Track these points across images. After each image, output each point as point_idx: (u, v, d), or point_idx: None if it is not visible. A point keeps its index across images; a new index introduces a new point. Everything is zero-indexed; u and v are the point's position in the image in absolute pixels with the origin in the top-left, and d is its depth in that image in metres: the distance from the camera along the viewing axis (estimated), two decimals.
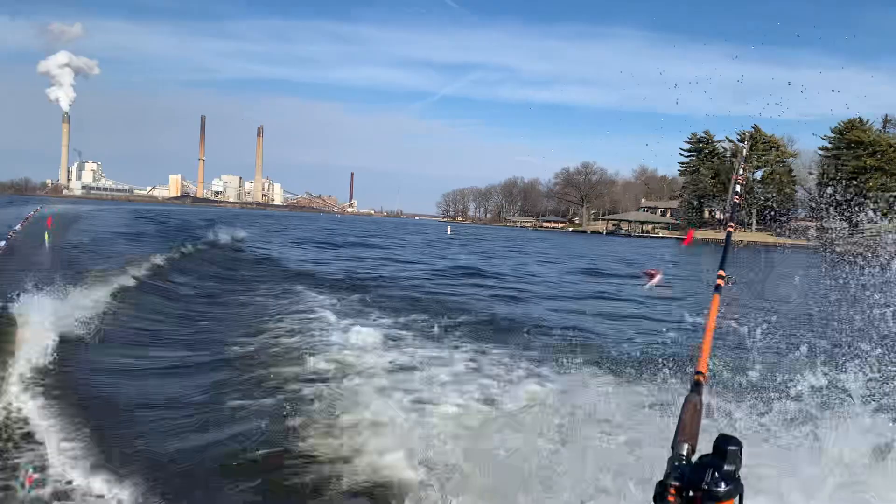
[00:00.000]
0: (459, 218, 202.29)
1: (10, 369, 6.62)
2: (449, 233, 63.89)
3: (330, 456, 5.12)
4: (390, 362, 7.68)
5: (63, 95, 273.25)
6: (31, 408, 5.90)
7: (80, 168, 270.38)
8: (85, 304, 9.81)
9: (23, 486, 4.40)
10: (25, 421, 5.65)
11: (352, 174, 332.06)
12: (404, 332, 9.72)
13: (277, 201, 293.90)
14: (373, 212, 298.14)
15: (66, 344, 7.72)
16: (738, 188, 3.96)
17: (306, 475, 4.86)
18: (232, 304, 13.19)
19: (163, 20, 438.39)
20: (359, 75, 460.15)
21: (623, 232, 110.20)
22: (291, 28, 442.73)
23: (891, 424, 4.73)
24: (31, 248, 13.61)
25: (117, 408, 6.34)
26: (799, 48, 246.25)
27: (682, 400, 1.92)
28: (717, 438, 1.70)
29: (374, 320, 10.72)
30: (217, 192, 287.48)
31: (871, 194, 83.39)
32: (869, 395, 5.40)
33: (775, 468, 4.17)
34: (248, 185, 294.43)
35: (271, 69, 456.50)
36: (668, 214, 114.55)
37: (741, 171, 4.17)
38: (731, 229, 3.48)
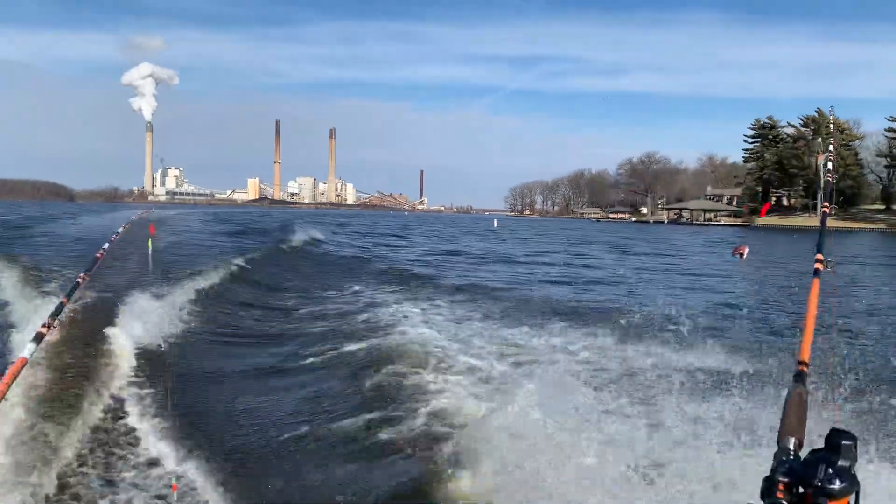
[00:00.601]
0: (527, 212, 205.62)
1: (112, 368, 7.00)
2: (495, 225, 69.25)
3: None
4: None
5: (146, 105, 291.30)
6: (134, 406, 6.23)
7: (164, 174, 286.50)
8: (180, 303, 10.56)
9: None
10: (127, 422, 5.91)
11: (421, 172, 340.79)
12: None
13: (350, 201, 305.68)
14: (443, 208, 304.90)
15: (166, 343, 8.24)
16: (829, 165, 3.93)
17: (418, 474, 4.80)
18: (318, 300, 13.98)
19: (237, 28, 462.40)
20: (427, 73, 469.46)
21: (685, 220, 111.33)
22: (360, 30, 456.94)
23: None
24: (132, 252, 14.94)
25: (215, 403, 6.69)
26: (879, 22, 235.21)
27: (785, 391, 1.86)
28: (830, 432, 1.62)
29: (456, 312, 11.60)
30: (293, 194, 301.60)
31: None
32: None
33: (887, 465, 4.00)
34: (321, 186, 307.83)
35: (342, 71, 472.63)
36: (735, 202, 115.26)
37: (830, 148, 4.13)
38: (826, 210, 3.48)
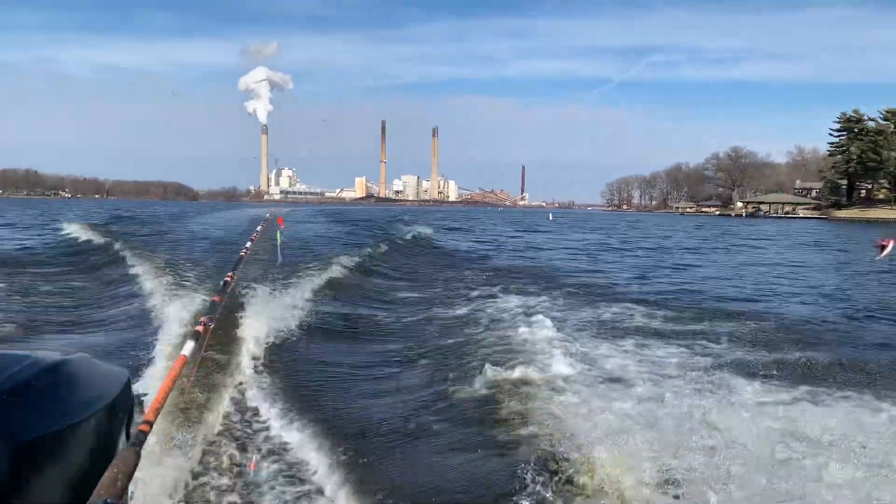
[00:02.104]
0: (625, 206, 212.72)
1: (243, 357, 7.48)
2: (550, 218, 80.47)
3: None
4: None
5: (261, 108, 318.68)
6: (256, 393, 6.62)
7: (278, 174, 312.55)
8: (304, 295, 11.16)
9: (246, 470, 4.93)
10: (254, 409, 6.30)
11: (522, 167, 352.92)
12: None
13: (452, 197, 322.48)
14: (544, 204, 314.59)
15: (291, 334, 8.85)
16: None
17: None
18: (429, 291, 14.35)
19: (347, 31, 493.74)
20: (534, 69, 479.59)
21: (761, 214, 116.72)
22: (467, 28, 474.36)
23: None
24: (268, 248, 15.10)
25: (336, 393, 6.94)
26: None
27: None
28: None
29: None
30: (397, 192, 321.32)
31: None
32: None
33: None
34: (424, 184, 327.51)
35: (448, 69, 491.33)
36: (818, 195, 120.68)
37: None
38: None
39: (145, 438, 1.67)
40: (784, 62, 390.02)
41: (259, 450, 5.35)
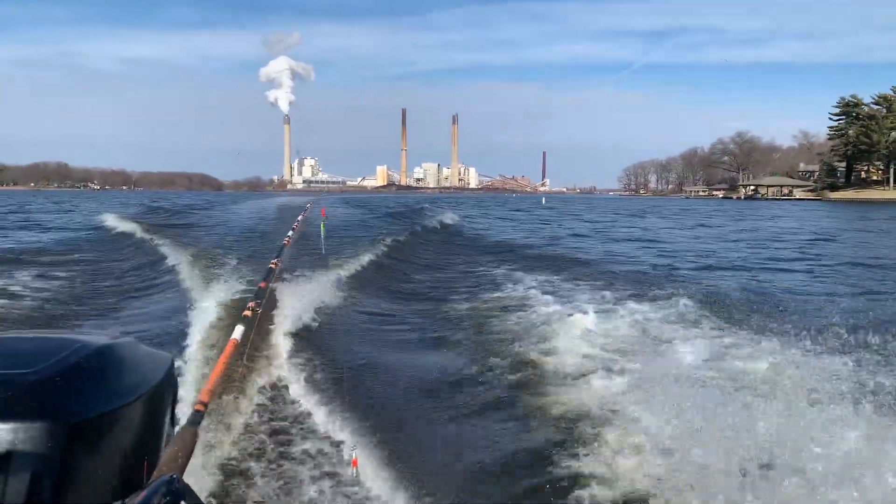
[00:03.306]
0: (642, 191, 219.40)
1: (277, 344, 7.62)
2: (544, 202, 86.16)
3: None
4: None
5: (284, 99, 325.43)
6: (294, 377, 6.83)
7: (301, 164, 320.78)
8: (339, 284, 11.52)
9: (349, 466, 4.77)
10: (290, 390, 6.57)
11: (543, 153, 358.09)
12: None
13: (473, 184, 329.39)
14: (565, 189, 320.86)
15: (327, 323, 8.98)
16: None
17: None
18: (458, 277, 15.07)
19: (368, 20, 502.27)
20: (555, 53, 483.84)
21: (759, 196, 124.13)
22: (488, 14, 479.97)
23: None
24: (311, 238, 15.90)
25: (376, 381, 7.15)
26: None
27: None
28: None
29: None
30: (418, 179, 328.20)
31: None
32: None
33: None
34: (445, 171, 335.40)
35: (468, 56, 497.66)
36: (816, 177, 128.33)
37: None
38: None
39: (201, 418, 1.89)
40: (810, 42, 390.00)
41: (354, 446, 5.17)
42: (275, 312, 8.33)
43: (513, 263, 16.89)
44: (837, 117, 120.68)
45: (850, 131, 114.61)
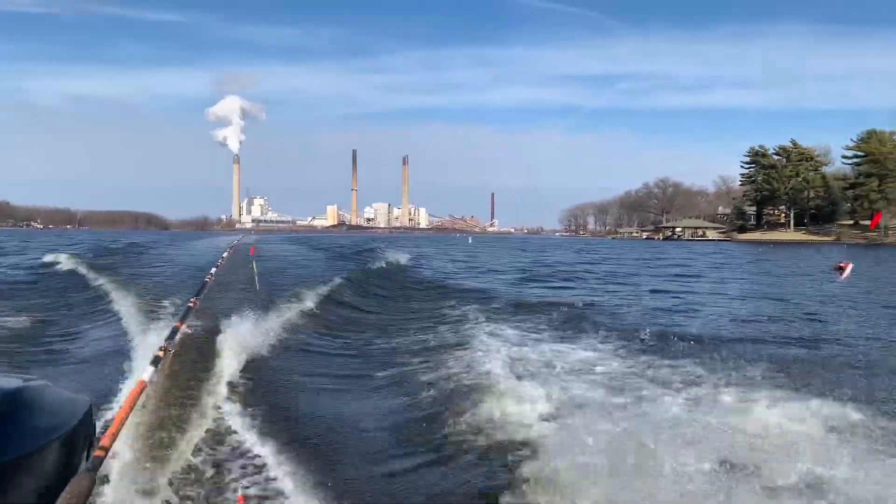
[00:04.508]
0: (581, 232, 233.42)
1: (217, 383, 7.65)
2: (470, 242, 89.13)
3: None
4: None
5: (233, 138, 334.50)
6: (237, 420, 6.73)
7: (250, 203, 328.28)
8: (280, 323, 11.65)
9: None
10: (232, 429, 6.50)
11: (492, 194, 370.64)
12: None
13: (423, 224, 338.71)
14: (513, 230, 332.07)
15: (269, 360, 9.29)
16: None
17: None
18: (403, 317, 15.30)
19: (321, 60, 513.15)
20: (506, 96, 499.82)
21: (676, 237, 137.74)
22: (440, 57, 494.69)
23: None
24: (235, 275, 15.88)
25: (313, 418, 7.22)
26: None
27: None
28: None
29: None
30: (369, 219, 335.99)
31: (870, 196, 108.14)
32: None
33: None
34: (395, 211, 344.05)
35: (420, 98, 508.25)
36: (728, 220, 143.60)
37: None
38: None
39: (100, 463, 1.77)
40: (750, 90, 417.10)
41: (243, 481, 5.38)
42: (207, 352, 8.40)
43: (449, 299, 18.18)
44: (748, 165, 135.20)
45: (759, 178, 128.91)
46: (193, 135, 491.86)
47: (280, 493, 5.25)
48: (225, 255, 12.19)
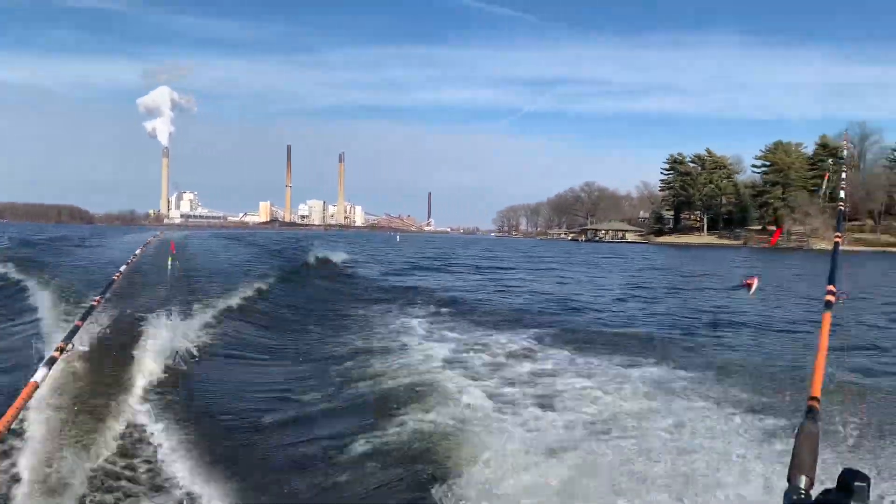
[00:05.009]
0: (514, 233, 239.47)
1: (132, 387, 7.49)
2: (398, 240, 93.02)
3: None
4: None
5: (163, 130, 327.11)
6: (152, 423, 6.66)
7: (179, 198, 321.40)
8: (200, 323, 11.29)
9: None
10: (147, 436, 6.38)
11: (429, 194, 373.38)
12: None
13: (359, 222, 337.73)
14: (449, 230, 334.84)
15: (185, 361, 8.98)
16: (842, 194, 4.31)
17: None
18: (329, 318, 15.36)
19: (258, 54, 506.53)
20: (445, 96, 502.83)
21: (597, 239, 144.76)
22: (380, 54, 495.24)
23: None
24: (152, 273, 15.62)
25: (234, 421, 7.21)
26: None
27: (796, 428, 1.95)
28: (843, 473, 1.67)
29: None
30: (303, 216, 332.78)
31: (774, 204, 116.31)
32: None
33: None
34: (331, 209, 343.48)
35: (359, 95, 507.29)
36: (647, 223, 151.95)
37: (843, 175, 4.67)
38: (838, 239, 3.54)
39: None
40: (683, 96, 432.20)
41: (192, 491, 5.24)
42: (121, 353, 8.15)
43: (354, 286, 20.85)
44: (667, 171, 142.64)
45: (676, 184, 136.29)
46: (122, 126, 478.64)
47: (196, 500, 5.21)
48: (138, 251, 11.84)
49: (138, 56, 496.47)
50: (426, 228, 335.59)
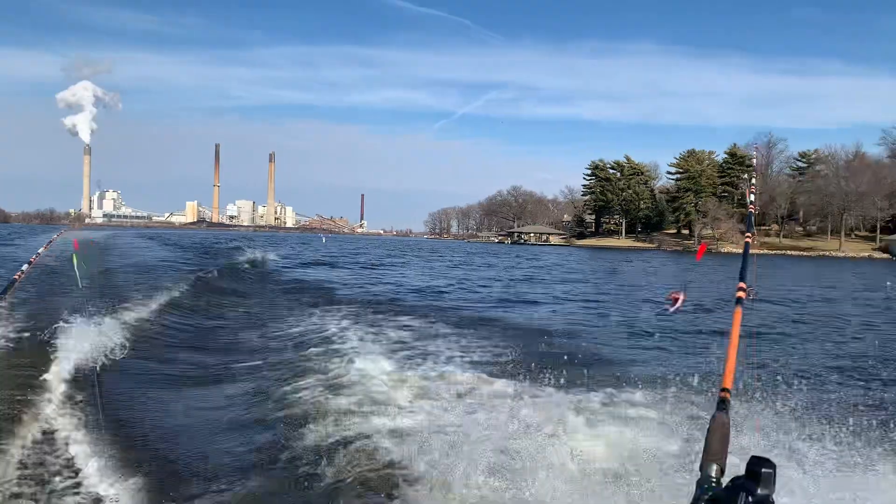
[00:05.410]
0: (445, 235, 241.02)
1: (44, 390, 7.20)
2: (324, 241, 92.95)
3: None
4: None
5: (84, 127, 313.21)
6: (64, 427, 6.44)
7: (102, 197, 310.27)
8: (113, 326, 10.58)
9: None
10: (61, 441, 6.13)
11: (362, 196, 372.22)
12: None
13: (289, 224, 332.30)
14: (382, 231, 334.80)
15: (95, 364, 8.48)
16: (751, 197, 4.53)
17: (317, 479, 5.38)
18: (252, 318, 15.20)
19: (187, 50, 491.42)
20: (379, 97, 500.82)
21: (522, 241, 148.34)
22: (316, 53, 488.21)
23: None
24: (55, 272, 15.12)
25: (143, 425, 6.97)
26: (817, 57, 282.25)
27: (708, 419, 2.02)
28: (750, 460, 1.72)
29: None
30: (231, 217, 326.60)
31: (687, 209, 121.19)
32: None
33: (806, 491, 4.36)
34: (261, 209, 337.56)
35: (290, 94, 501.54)
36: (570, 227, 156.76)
37: (753, 181, 5.10)
38: (748, 240, 3.69)
39: None
40: (611, 102, 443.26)
41: (109, 496, 5.10)
42: (33, 357, 7.99)
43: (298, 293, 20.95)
44: (589, 177, 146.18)
45: (597, 190, 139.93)
46: (40, 121, 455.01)
47: None
48: (41, 250, 11.39)
49: (56, 49, 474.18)
50: (358, 230, 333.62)
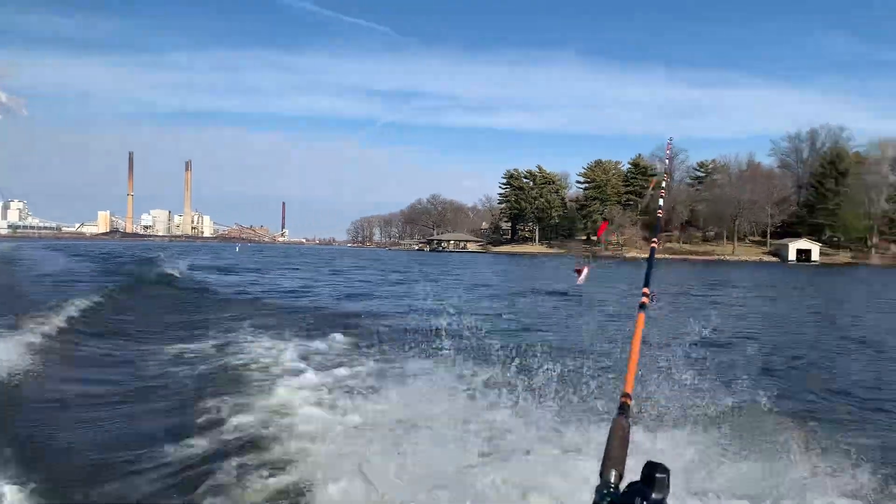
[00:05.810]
0: (368, 243, 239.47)
1: None
2: (238, 250, 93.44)
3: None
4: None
5: None
6: None
7: (6, 207, 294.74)
8: (8, 345, 9.98)
9: None
10: None
11: (283, 204, 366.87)
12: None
13: (207, 233, 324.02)
14: (304, 240, 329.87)
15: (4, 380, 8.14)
16: (660, 202, 4.65)
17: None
18: (168, 328, 14.70)
19: (99, 54, 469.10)
20: (301, 105, 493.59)
21: (441, 249, 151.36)
22: (232, 58, 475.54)
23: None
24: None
25: (54, 438, 6.65)
26: (730, 70, 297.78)
27: (608, 424, 1.97)
28: (645, 465, 1.74)
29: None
30: (146, 227, 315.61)
31: (594, 217, 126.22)
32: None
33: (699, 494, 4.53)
34: (177, 219, 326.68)
35: (209, 100, 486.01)
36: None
37: (663, 185, 5.71)
38: (654, 245, 3.72)
39: None
40: (532, 112, 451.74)
41: None
42: None
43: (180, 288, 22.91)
44: (504, 186, 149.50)
45: (512, 198, 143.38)
46: None
47: None
48: None
49: None
50: (280, 239, 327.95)
